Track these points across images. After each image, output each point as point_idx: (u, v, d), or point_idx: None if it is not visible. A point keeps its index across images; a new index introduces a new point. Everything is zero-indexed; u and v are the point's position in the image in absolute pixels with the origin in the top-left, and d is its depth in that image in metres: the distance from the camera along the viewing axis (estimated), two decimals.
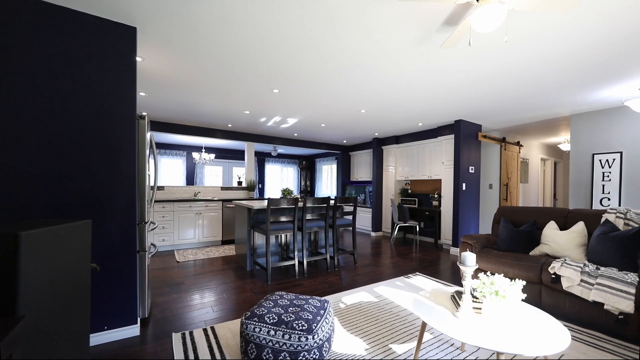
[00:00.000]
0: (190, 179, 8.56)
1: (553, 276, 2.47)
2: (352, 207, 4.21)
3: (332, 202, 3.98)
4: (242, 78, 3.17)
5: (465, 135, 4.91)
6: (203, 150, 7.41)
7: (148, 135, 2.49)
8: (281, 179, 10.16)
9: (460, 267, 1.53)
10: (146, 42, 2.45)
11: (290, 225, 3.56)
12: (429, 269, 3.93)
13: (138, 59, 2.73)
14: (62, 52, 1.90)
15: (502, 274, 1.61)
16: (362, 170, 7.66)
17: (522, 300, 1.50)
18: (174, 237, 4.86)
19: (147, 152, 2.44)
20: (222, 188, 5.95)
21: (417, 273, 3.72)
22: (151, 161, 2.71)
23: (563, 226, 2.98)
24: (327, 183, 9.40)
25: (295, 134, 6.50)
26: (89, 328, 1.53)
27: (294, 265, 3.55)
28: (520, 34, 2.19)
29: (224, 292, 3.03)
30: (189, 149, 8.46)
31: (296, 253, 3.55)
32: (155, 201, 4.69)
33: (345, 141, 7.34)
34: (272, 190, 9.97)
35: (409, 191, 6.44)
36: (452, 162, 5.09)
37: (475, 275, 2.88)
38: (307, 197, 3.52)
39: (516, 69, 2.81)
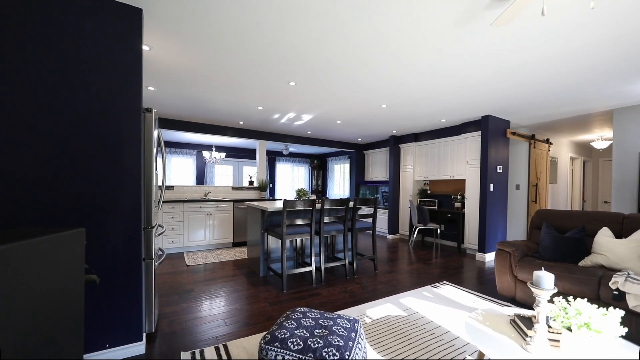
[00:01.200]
0: (201, 179, 8.41)
1: (615, 292, 2.13)
2: (372, 209, 3.92)
3: (351, 203, 3.70)
4: (257, 69, 2.92)
5: (493, 132, 4.55)
6: (213, 149, 7.23)
7: (156, 131, 2.27)
8: (292, 178, 9.93)
9: (533, 289, 1.23)
10: (154, 28, 2.22)
11: (307, 229, 3.30)
12: (456, 277, 3.61)
13: (145, 47, 2.52)
14: (55, 35, 1.68)
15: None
16: (377, 169, 7.34)
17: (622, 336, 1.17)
18: (183, 239, 4.67)
19: (155, 149, 2.22)
20: (233, 188, 5.75)
21: (444, 282, 3.40)
22: (159, 160, 2.49)
23: (618, 233, 2.63)
24: (339, 183, 9.11)
25: (309, 132, 6.24)
26: (82, 353, 1.30)
27: (310, 272, 3.29)
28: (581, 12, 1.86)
29: (237, 301, 2.79)
30: (199, 147, 8.31)
31: (313, 259, 3.28)
32: (164, 202, 4.50)
33: (360, 139, 7.04)
34: (283, 190, 9.75)
35: (428, 192, 6.10)
36: (478, 161, 4.74)
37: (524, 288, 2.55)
38: (325, 198, 3.25)
39: (561, 55, 2.47)
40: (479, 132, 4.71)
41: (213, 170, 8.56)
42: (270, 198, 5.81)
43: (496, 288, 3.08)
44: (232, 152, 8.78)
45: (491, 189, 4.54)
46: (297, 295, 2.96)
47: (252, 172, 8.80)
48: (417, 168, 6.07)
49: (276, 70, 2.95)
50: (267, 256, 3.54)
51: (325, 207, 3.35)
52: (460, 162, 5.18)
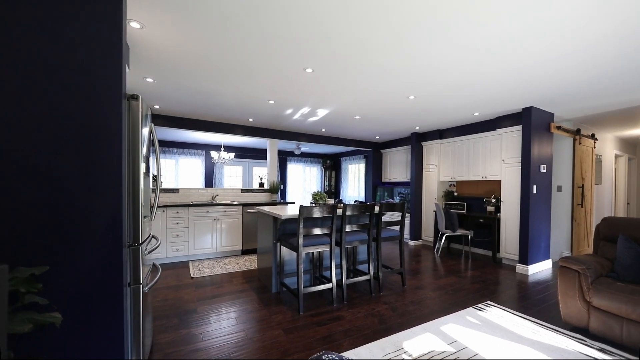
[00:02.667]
0: (209, 180, 8.08)
1: None
2: (400, 215, 3.42)
3: (376, 209, 3.22)
4: (270, 52, 2.48)
5: (536, 126, 3.97)
6: (222, 148, 6.87)
7: (147, 126, 1.86)
8: (304, 179, 9.50)
9: None
10: (144, 0, 1.81)
11: (327, 240, 2.83)
12: (500, 296, 3.08)
13: (135, 24, 2.11)
14: None
15: None
16: (395, 169, 6.82)
17: None
18: (188, 246, 4.29)
19: (145, 147, 1.80)
20: (243, 190, 5.35)
21: (488, 302, 2.88)
22: (152, 159, 2.09)
23: None
24: (353, 184, 8.62)
25: (323, 130, 5.79)
26: None
27: (330, 289, 2.83)
28: None
29: (246, 327, 2.35)
30: (207, 147, 7.98)
31: (333, 273, 2.82)
32: (167, 206, 4.13)
33: (377, 137, 6.54)
34: (295, 192, 9.34)
35: (455, 194, 5.54)
36: (517, 159, 4.17)
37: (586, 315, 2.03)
38: (346, 204, 2.77)
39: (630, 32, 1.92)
40: (518, 127, 4.14)
41: (222, 172, 8.22)
42: (282, 201, 5.39)
43: (557, 312, 2.54)
44: (242, 152, 8.42)
45: (534, 191, 3.97)
46: (315, 319, 2.51)
47: (262, 173, 8.41)
48: (442, 168, 5.52)
49: (292, 53, 2.50)
50: (280, 269, 3.10)
51: (347, 213, 2.88)
52: (495, 160, 4.62)
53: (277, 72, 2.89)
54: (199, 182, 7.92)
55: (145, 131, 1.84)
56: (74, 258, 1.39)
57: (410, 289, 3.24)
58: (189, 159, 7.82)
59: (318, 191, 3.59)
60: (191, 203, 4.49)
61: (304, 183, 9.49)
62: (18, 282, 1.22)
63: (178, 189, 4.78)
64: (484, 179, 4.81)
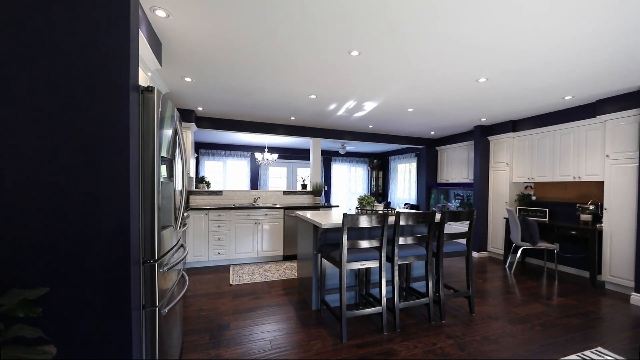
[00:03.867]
0: (255, 182, 8.13)
1: None
2: (468, 225, 2.81)
3: (437, 218, 2.66)
4: (311, 33, 2.12)
5: None
6: (266, 149, 6.80)
7: (171, 125, 1.64)
8: (349, 180, 9.05)
9: None
10: None
11: (375, 254, 2.37)
12: (615, 340, 2.27)
13: (160, 12, 1.92)
14: None
15: None
16: (454, 168, 5.99)
17: None
18: (230, 250, 4.18)
19: (165, 146, 1.58)
20: (285, 192, 5.13)
21: (599, 350, 2.12)
22: (178, 161, 1.87)
23: None
24: (403, 185, 7.90)
25: (370, 126, 5.28)
26: None
27: (380, 313, 2.36)
28: None
29: (280, 354, 2.02)
30: (252, 149, 8.04)
31: (383, 295, 2.35)
32: (210, 209, 4.07)
33: (432, 132, 5.79)
34: (339, 194, 8.94)
35: (533, 198, 4.57)
36: (630, 154, 3.17)
37: None
38: (400, 212, 2.28)
39: None
40: (633, 111, 3.14)
41: (267, 173, 8.21)
42: (326, 204, 5.03)
43: None
44: (286, 153, 8.31)
45: None
46: (362, 351, 2.07)
47: (306, 173, 8.19)
48: (516, 167, 4.60)
49: (335, 32, 2.10)
50: (321, 284, 2.72)
51: (401, 222, 2.38)
52: (594, 156, 3.62)
53: (318, 59, 2.52)
54: (244, 183, 8.02)
55: (167, 130, 1.61)
56: (72, 278, 1.19)
57: (480, 319, 2.60)
58: (236, 161, 7.96)
59: (365, 195, 3.13)
60: (233, 206, 4.39)
61: (349, 184, 9.05)
62: (13, 307, 1.04)
63: (221, 191, 4.74)
64: (576, 180, 3.82)
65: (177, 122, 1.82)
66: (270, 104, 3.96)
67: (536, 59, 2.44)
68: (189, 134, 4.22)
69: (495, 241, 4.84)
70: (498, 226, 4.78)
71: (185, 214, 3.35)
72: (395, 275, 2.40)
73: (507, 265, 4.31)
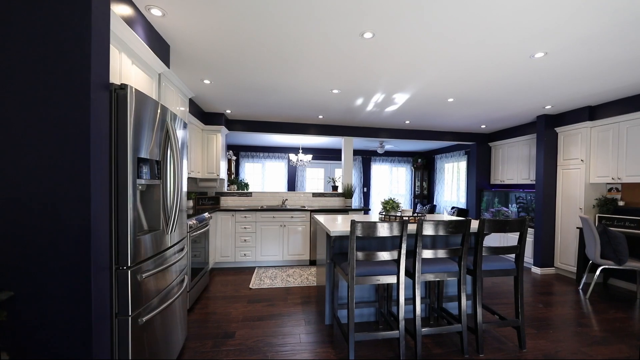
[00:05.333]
0: (292, 183, 8.14)
1: None
2: (517, 237, 2.27)
3: (473, 226, 2.19)
4: (315, 14, 1.90)
5: None
6: (300, 150, 6.73)
7: (162, 122, 1.56)
8: (390, 181, 8.50)
9: None
10: None
11: (393, 269, 2.02)
12: None
13: (156, 11, 1.88)
14: None
15: None
16: (511, 167, 5.12)
17: None
18: (256, 252, 4.15)
19: (147, 147, 1.50)
20: (314, 194, 4.95)
21: None
22: (170, 162, 1.81)
23: None
24: (450, 186, 7.09)
25: (407, 122, 4.80)
26: None
27: (397, 338, 2.00)
28: None
29: None
30: (289, 150, 8.06)
31: (401, 317, 1.98)
32: (236, 210, 4.09)
33: (483, 126, 5.03)
34: (380, 196, 8.45)
35: (620, 203, 3.61)
36: None
37: None
38: (423, 217, 1.90)
39: None
40: None
41: (304, 174, 8.16)
42: (359, 207, 4.72)
43: None
44: (323, 154, 8.15)
45: None
46: None
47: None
48: (595, 163, 3.68)
49: (342, 9, 1.84)
50: (333, 297, 2.45)
51: (424, 232, 1.99)
52: None
53: (329, 45, 2.27)
54: (282, 184, 8.08)
55: (151, 131, 1.54)
56: (37, 283, 1.15)
57: (533, 357, 2.04)
58: (274, 162, 8.07)
59: (390, 199, 2.76)
60: (260, 207, 4.36)
61: (390, 185, 8.49)
62: None
63: (251, 193, 4.76)
64: None
65: (170, 123, 1.75)
66: (294, 103, 3.82)
67: (619, 19, 1.82)
68: (219, 137, 4.31)
69: (566, 255, 3.95)
70: (569, 237, 3.90)
71: (208, 215, 3.39)
72: (417, 294, 2.02)
73: (580, 287, 3.47)
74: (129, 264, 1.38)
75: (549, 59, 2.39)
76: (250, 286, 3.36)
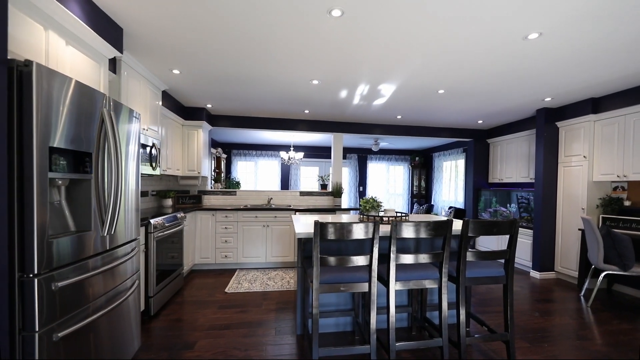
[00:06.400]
0: (285, 182, 7.94)
1: None
2: (509, 240, 2.04)
3: (455, 228, 1.96)
4: None
5: None
6: (291, 148, 6.51)
7: (95, 109, 1.36)
8: (387, 180, 8.25)
9: None
10: None
11: (364, 276, 1.80)
12: None
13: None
14: None
15: None
16: (510, 165, 4.85)
17: None
18: (237, 253, 3.95)
19: (69, 135, 1.30)
20: (302, 193, 4.73)
21: None
22: (110, 155, 1.60)
23: None
24: (449, 185, 6.83)
25: (399, 116, 4.56)
26: None
27: (368, 354, 1.77)
28: None
29: None
30: (281, 148, 7.85)
31: (373, 329, 1.76)
32: (216, 209, 3.89)
33: (480, 121, 4.77)
34: (376, 196, 8.19)
35: (626, 203, 3.34)
36: None
37: None
38: (401, 219, 1.67)
39: None
40: None
41: (298, 173, 7.94)
42: (348, 207, 4.48)
43: None
44: (316, 152, 7.94)
45: None
46: None
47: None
48: (599, 160, 3.41)
49: None
50: (304, 304, 2.23)
51: (402, 234, 1.76)
52: None
53: (302, 22, 2.04)
54: (275, 183, 7.88)
55: (76, 117, 1.34)
56: None
57: None
58: (266, 161, 7.87)
59: (371, 197, 2.54)
60: (242, 207, 4.16)
61: (387, 185, 8.24)
62: None
63: (235, 191, 4.56)
64: None
65: (106, 111, 1.55)
66: (275, 96, 3.60)
67: None
68: (201, 133, 4.12)
69: (567, 259, 3.69)
70: (570, 239, 3.63)
71: (182, 214, 3.20)
72: (391, 304, 1.79)
73: (582, 294, 3.20)
74: (36, 271, 1.17)
75: (544, 40, 2.14)
76: (226, 290, 3.15)
